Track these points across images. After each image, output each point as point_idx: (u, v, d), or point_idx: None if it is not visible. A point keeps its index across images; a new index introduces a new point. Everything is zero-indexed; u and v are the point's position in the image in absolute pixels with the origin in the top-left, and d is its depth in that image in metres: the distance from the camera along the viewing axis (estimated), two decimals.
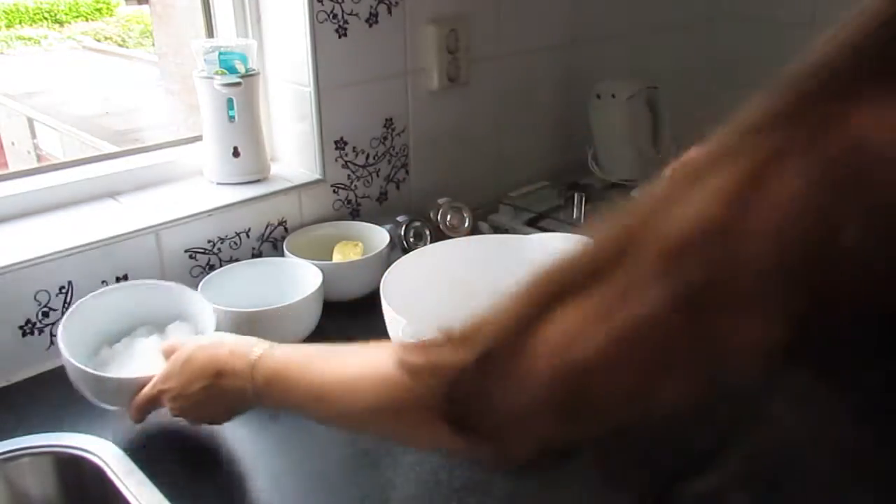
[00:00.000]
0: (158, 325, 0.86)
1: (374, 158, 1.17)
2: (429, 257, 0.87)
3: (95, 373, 0.76)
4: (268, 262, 1.01)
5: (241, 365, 0.64)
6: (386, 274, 0.79)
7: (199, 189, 1.07)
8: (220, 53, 1.02)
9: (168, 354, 0.73)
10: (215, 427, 0.80)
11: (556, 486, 0.71)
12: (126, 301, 0.86)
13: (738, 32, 1.73)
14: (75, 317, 0.80)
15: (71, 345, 0.76)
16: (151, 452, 0.75)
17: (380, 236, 1.08)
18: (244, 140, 1.06)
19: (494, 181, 1.38)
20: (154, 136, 1.14)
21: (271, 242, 1.08)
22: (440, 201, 1.15)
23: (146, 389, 0.72)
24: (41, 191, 0.98)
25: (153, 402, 0.72)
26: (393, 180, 1.21)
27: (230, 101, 1.03)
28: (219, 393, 0.66)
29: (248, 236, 1.05)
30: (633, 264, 0.37)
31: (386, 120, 1.17)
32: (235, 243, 1.04)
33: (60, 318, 0.78)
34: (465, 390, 0.44)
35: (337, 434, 0.78)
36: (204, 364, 0.68)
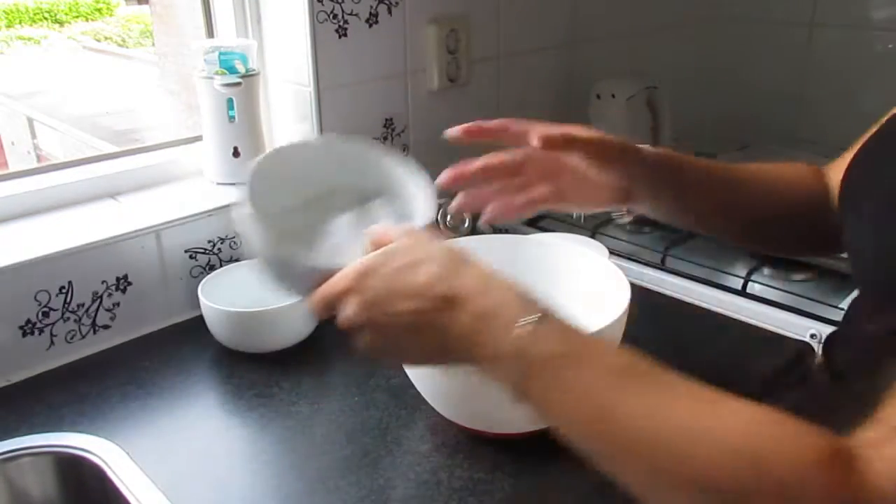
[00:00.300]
0: (359, 198, 0.68)
1: None
2: None
3: (279, 254, 0.60)
4: None
5: (507, 312, 0.48)
6: None
7: (199, 189, 1.07)
8: (220, 53, 1.02)
9: (377, 245, 0.55)
10: (214, 427, 0.80)
11: (556, 487, 0.71)
12: (325, 162, 0.68)
13: (738, 32, 1.73)
14: (268, 164, 0.64)
15: (257, 196, 0.60)
16: (152, 452, 0.75)
17: None
18: (244, 140, 1.06)
19: None
20: (154, 136, 1.14)
21: None
22: (440, 201, 1.14)
23: (337, 282, 0.54)
24: (41, 191, 0.98)
25: (339, 299, 0.54)
26: None
27: (230, 101, 1.03)
28: (438, 329, 0.49)
29: None
30: None
31: (386, 120, 1.17)
32: (235, 243, 1.04)
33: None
34: None
35: (337, 434, 0.78)
36: (435, 278, 0.49)
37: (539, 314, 0.47)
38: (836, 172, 0.74)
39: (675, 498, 0.44)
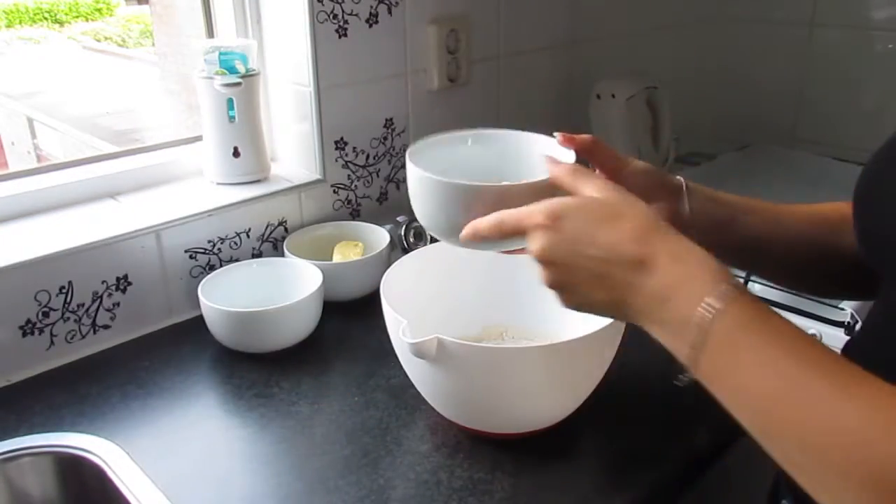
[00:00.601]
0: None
1: (374, 158, 1.17)
2: (429, 257, 0.87)
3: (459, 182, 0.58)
4: (268, 262, 1.01)
5: (696, 286, 0.47)
6: (386, 274, 0.79)
7: (199, 189, 1.07)
8: (221, 53, 1.02)
9: (559, 178, 0.56)
10: (214, 427, 0.80)
11: (556, 487, 0.71)
12: (480, 153, 0.69)
13: (738, 32, 1.73)
14: (424, 147, 0.66)
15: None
16: (151, 452, 0.75)
17: (380, 236, 1.08)
18: (244, 140, 1.06)
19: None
20: (154, 136, 1.14)
21: (271, 242, 1.08)
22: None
23: (530, 213, 0.53)
24: (41, 191, 0.98)
25: (518, 231, 0.54)
26: (393, 180, 1.21)
27: (230, 101, 1.03)
28: (622, 286, 0.50)
29: (248, 236, 1.05)
30: None
31: (386, 120, 1.17)
32: (235, 243, 1.04)
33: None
34: None
35: (337, 434, 0.78)
36: (630, 237, 0.50)
37: (728, 291, 0.46)
38: None
39: (842, 493, 0.41)
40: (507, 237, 0.55)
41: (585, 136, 0.64)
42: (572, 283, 0.53)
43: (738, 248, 0.69)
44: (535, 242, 0.53)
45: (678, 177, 0.67)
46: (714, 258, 0.49)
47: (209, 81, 1.02)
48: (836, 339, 0.94)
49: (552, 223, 0.52)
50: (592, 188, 0.54)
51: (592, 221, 0.51)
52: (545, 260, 0.53)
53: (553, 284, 0.54)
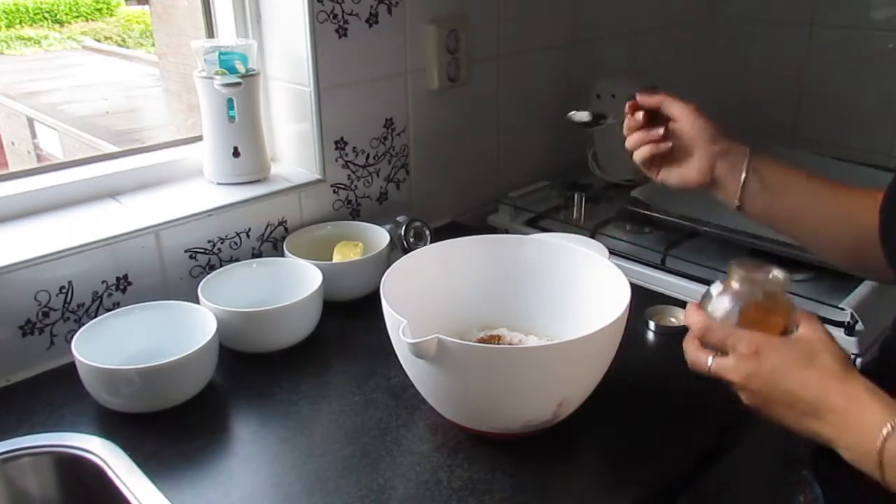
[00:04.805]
0: None
1: (374, 158, 1.17)
2: (429, 257, 0.87)
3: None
4: (268, 262, 1.01)
5: (870, 421, 0.55)
6: (386, 274, 0.79)
7: (199, 189, 1.07)
8: (221, 53, 1.02)
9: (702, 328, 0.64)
10: (214, 427, 0.80)
11: (556, 487, 0.71)
12: None
13: (738, 32, 1.73)
14: None
15: None
16: (151, 452, 0.75)
17: (380, 236, 1.08)
18: (244, 140, 1.06)
19: (494, 181, 1.38)
20: (154, 136, 1.14)
21: (271, 242, 1.08)
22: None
23: (728, 333, 0.63)
24: (41, 191, 0.98)
25: (719, 348, 0.63)
26: (393, 180, 1.21)
27: (230, 101, 1.03)
28: (806, 418, 0.59)
29: (248, 236, 1.05)
30: None
31: (386, 120, 1.17)
32: (235, 243, 1.04)
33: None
34: None
35: (337, 434, 0.78)
36: (817, 381, 0.59)
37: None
38: None
39: None
40: (705, 345, 0.64)
41: (655, 98, 0.78)
42: (767, 406, 0.61)
43: (778, 219, 0.78)
44: (735, 371, 0.62)
45: (744, 148, 0.77)
46: (887, 396, 0.56)
47: (209, 81, 1.02)
48: (836, 338, 0.94)
49: (753, 354, 0.61)
50: (805, 325, 0.63)
51: (790, 361, 0.60)
52: (744, 386, 0.62)
53: (750, 404, 0.63)
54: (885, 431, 0.54)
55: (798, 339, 0.62)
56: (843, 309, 0.95)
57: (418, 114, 1.21)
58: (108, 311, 0.91)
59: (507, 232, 1.28)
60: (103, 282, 0.92)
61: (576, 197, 1.30)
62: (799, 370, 0.59)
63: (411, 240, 1.10)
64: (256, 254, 1.07)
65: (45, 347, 0.89)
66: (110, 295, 0.93)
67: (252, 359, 0.90)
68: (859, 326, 0.93)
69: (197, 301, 0.90)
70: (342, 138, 1.12)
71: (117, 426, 0.79)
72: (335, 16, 1.04)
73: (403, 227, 1.10)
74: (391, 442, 0.76)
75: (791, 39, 1.63)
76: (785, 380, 0.59)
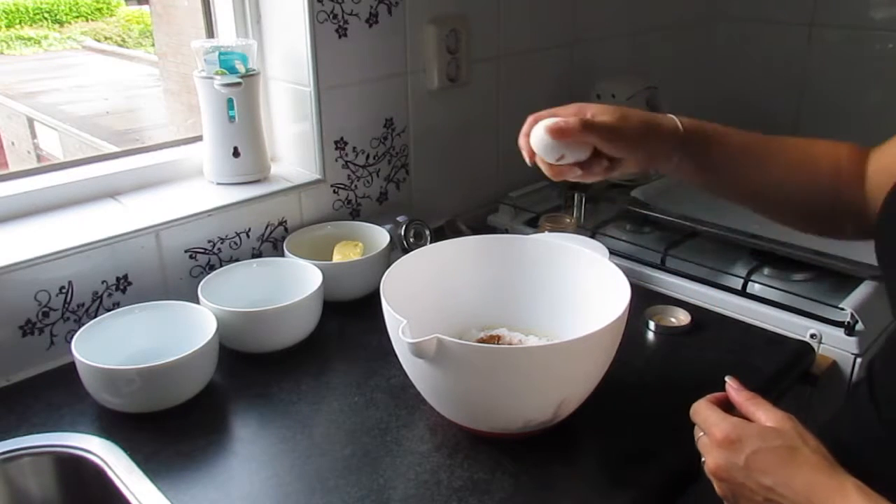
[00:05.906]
0: None
1: (374, 158, 1.17)
2: (429, 257, 0.87)
3: None
4: (268, 262, 1.01)
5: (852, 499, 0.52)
6: (386, 274, 0.79)
7: (199, 189, 1.07)
8: (221, 53, 1.02)
9: (738, 404, 0.63)
10: (214, 427, 0.80)
11: (556, 487, 0.71)
12: None
13: (738, 32, 1.73)
14: None
15: None
16: (151, 452, 0.75)
17: (380, 236, 1.08)
18: (244, 140, 1.06)
19: (494, 181, 1.38)
20: (154, 136, 1.14)
21: (271, 242, 1.08)
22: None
23: (709, 419, 0.62)
24: (41, 191, 0.98)
25: (703, 428, 0.63)
26: (393, 180, 1.21)
27: (230, 101, 1.03)
28: None
29: (248, 236, 1.05)
30: None
31: (386, 120, 1.17)
32: (235, 243, 1.04)
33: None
34: None
35: (337, 434, 0.78)
36: (797, 476, 0.55)
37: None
38: (880, 156, 0.72)
39: None
40: (697, 425, 0.64)
41: (573, 124, 0.73)
42: (742, 498, 0.58)
43: (725, 188, 0.78)
44: (712, 458, 0.59)
45: (670, 116, 0.74)
46: (876, 494, 0.52)
47: (209, 81, 1.02)
48: (836, 339, 0.94)
49: (729, 444, 0.58)
50: (767, 416, 0.60)
51: (767, 452, 0.56)
52: (719, 477, 0.59)
53: (724, 495, 0.60)
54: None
55: (776, 428, 0.59)
56: (843, 309, 0.95)
57: (418, 114, 1.21)
58: (108, 311, 0.91)
59: (507, 232, 1.28)
60: (103, 282, 0.92)
61: (576, 197, 1.30)
62: (782, 460, 0.56)
63: (411, 240, 1.10)
64: (256, 254, 1.07)
65: (45, 347, 0.89)
66: (110, 295, 0.93)
67: (252, 359, 0.90)
68: (859, 326, 0.93)
69: (197, 301, 0.90)
70: (342, 138, 1.12)
71: (117, 426, 0.79)
72: (335, 16, 1.04)
73: (403, 227, 1.10)
74: (391, 442, 0.76)
75: (791, 39, 1.63)
76: (765, 470, 0.56)
